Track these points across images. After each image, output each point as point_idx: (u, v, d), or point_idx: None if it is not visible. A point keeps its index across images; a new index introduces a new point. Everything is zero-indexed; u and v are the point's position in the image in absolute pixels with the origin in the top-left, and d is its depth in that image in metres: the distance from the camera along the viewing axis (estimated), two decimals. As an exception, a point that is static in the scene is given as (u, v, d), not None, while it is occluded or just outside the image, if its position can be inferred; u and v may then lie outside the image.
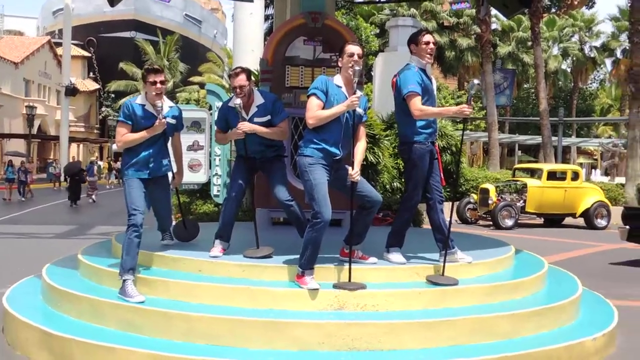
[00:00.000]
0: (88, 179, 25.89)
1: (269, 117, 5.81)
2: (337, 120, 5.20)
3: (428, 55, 5.60)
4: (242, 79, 5.70)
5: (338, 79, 5.29)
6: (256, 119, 5.78)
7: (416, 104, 5.41)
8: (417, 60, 5.60)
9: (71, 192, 23.61)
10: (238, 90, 5.69)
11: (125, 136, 5.61)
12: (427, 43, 5.57)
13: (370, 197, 5.36)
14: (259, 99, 5.85)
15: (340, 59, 5.31)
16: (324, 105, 5.14)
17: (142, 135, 5.58)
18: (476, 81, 5.59)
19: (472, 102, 5.45)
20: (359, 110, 5.27)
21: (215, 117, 8.36)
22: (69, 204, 23.01)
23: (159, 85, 5.57)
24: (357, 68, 5.13)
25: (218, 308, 4.95)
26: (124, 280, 5.21)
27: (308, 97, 5.22)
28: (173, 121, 5.84)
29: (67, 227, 15.66)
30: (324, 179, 5.13)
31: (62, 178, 36.60)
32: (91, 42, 56.71)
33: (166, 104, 5.72)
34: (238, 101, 5.64)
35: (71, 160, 39.07)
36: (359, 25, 34.54)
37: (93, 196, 24.67)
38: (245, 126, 5.68)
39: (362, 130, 5.42)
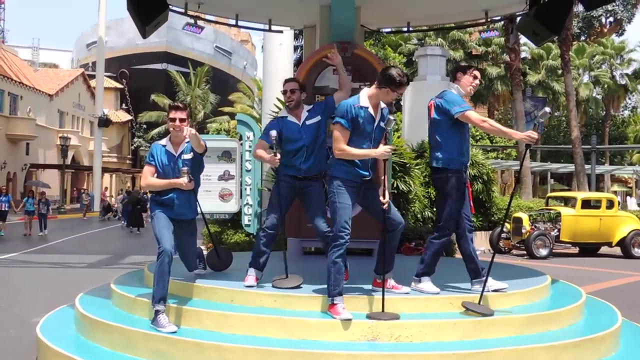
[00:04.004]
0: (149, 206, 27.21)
1: (319, 117, 5.88)
2: (367, 141, 5.19)
3: (471, 88, 5.64)
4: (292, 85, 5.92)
5: (364, 99, 5.17)
6: (308, 122, 5.85)
7: (477, 115, 5.46)
8: (458, 89, 5.62)
9: (132, 220, 25.49)
10: (289, 93, 5.86)
11: (149, 179, 5.69)
12: (475, 77, 5.66)
13: (394, 219, 5.33)
14: (306, 108, 5.97)
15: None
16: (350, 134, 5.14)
17: (164, 183, 5.62)
18: (547, 109, 5.46)
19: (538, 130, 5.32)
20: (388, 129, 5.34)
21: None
22: (129, 230, 25.15)
23: (177, 122, 5.58)
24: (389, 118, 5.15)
25: (250, 338, 4.91)
26: (156, 311, 5.20)
27: (333, 124, 5.20)
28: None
29: (100, 256, 15.81)
30: (349, 202, 5.14)
31: (92, 208, 37.24)
32: (124, 74, 57.84)
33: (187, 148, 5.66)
34: (274, 134, 5.67)
35: (104, 190, 39.72)
36: (387, 55, 34.69)
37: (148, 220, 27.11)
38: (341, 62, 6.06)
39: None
